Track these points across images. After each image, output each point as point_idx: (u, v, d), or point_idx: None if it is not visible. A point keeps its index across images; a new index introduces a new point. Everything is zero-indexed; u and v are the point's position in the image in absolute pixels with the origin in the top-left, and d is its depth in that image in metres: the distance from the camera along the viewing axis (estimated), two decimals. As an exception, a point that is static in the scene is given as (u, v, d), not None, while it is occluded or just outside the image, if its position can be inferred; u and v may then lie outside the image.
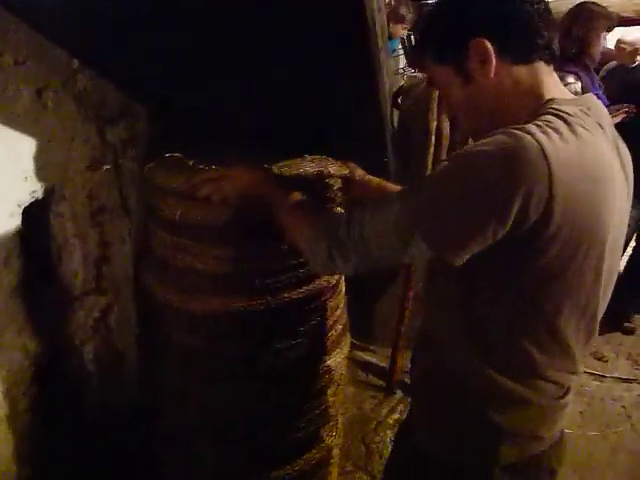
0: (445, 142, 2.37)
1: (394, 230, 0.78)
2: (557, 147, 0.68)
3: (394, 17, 3.43)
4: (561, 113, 0.73)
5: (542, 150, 0.67)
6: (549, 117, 0.72)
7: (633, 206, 2.81)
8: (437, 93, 2.31)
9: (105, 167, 1.42)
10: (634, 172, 0.88)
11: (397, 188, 1.37)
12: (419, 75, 2.69)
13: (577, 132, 0.71)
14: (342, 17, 1.10)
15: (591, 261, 0.77)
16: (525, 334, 0.80)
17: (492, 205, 0.69)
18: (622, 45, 3.22)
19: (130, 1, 1.06)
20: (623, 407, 2.34)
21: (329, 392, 1.48)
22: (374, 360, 2.72)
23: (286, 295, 1.24)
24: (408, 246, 0.78)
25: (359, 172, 1.34)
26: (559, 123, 0.71)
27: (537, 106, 0.77)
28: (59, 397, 1.45)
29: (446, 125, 2.34)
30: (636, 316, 3.06)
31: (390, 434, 2.29)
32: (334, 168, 1.32)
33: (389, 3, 3.47)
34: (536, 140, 0.67)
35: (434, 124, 2.33)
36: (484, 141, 0.71)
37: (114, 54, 1.24)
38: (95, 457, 1.54)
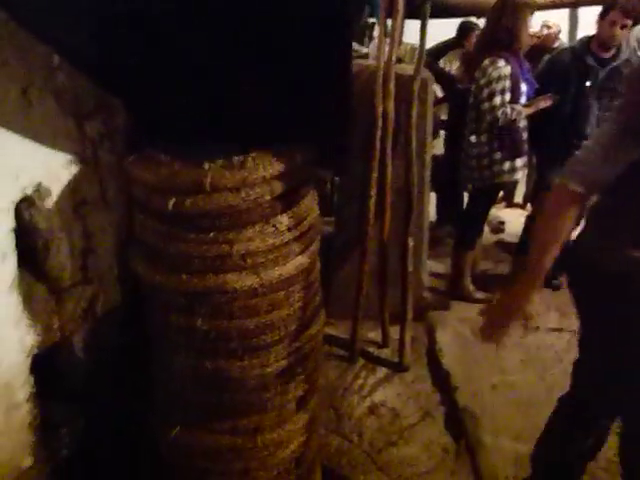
0: (390, 125, 2.55)
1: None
2: None
3: None
4: None
5: None
6: None
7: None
8: (382, 78, 2.47)
9: (86, 161, 1.46)
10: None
11: None
12: (363, 61, 2.84)
13: None
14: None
15: None
16: None
17: None
18: (548, 25, 3.56)
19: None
20: (556, 352, 2.67)
21: (310, 358, 1.63)
22: (334, 332, 2.89)
23: (276, 270, 1.37)
24: None
25: None
26: None
27: None
28: (52, 387, 1.50)
29: (391, 109, 2.52)
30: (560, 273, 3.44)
31: (357, 398, 2.48)
32: (301, 156, 1.45)
33: None
34: None
35: (380, 109, 2.50)
36: None
37: (96, 48, 1.29)
38: (89, 442, 1.60)
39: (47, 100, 1.32)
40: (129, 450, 1.70)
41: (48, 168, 1.36)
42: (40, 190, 1.35)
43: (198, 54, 1.36)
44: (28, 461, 1.44)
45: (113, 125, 1.54)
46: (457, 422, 2.27)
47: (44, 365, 1.44)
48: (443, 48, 4.24)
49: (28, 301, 1.37)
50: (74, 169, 1.44)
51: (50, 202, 1.38)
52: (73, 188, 1.45)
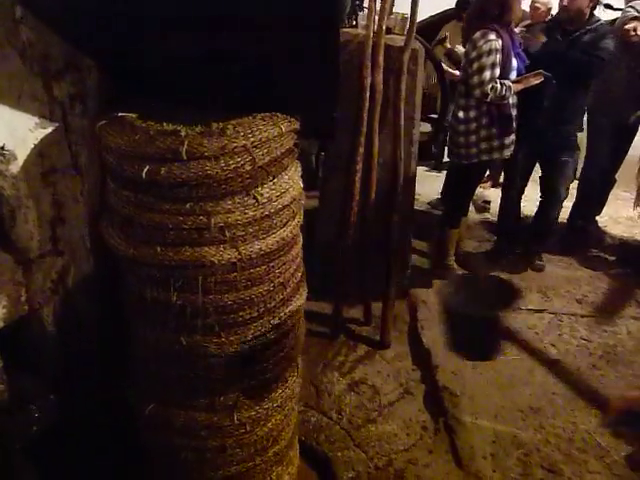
0: (379, 98, 2.48)
1: None
2: None
3: None
4: None
5: None
6: None
7: (570, 156, 3.11)
8: (370, 49, 2.39)
9: (55, 124, 1.37)
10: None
11: None
12: (352, 30, 2.74)
13: None
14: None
15: None
16: None
17: None
18: (537, 5, 3.49)
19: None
20: (536, 333, 2.68)
21: (290, 335, 1.59)
22: (316, 309, 2.86)
23: (257, 244, 1.31)
24: None
25: None
26: None
27: None
28: (21, 361, 1.44)
29: (380, 81, 2.44)
30: (543, 255, 3.44)
31: (337, 374, 2.47)
32: (285, 125, 1.38)
33: None
34: None
35: (368, 80, 2.42)
36: None
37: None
38: (63, 419, 1.55)
39: (10, 57, 1.23)
40: (105, 426, 1.66)
41: (12, 131, 1.27)
42: (4, 154, 1.26)
43: (179, 13, 1.28)
44: (-5, 438, 1.39)
45: (85, 86, 1.44)
46: (437, 400, 2.27)
47: (11, 339, 1.38)
48: (439, 20, 4.13)
49: (-7, 272, 1.30)
50: (42, 133, 1.35)
51: (16, 168, 1.30)
52: (41, 153, 1.37)
